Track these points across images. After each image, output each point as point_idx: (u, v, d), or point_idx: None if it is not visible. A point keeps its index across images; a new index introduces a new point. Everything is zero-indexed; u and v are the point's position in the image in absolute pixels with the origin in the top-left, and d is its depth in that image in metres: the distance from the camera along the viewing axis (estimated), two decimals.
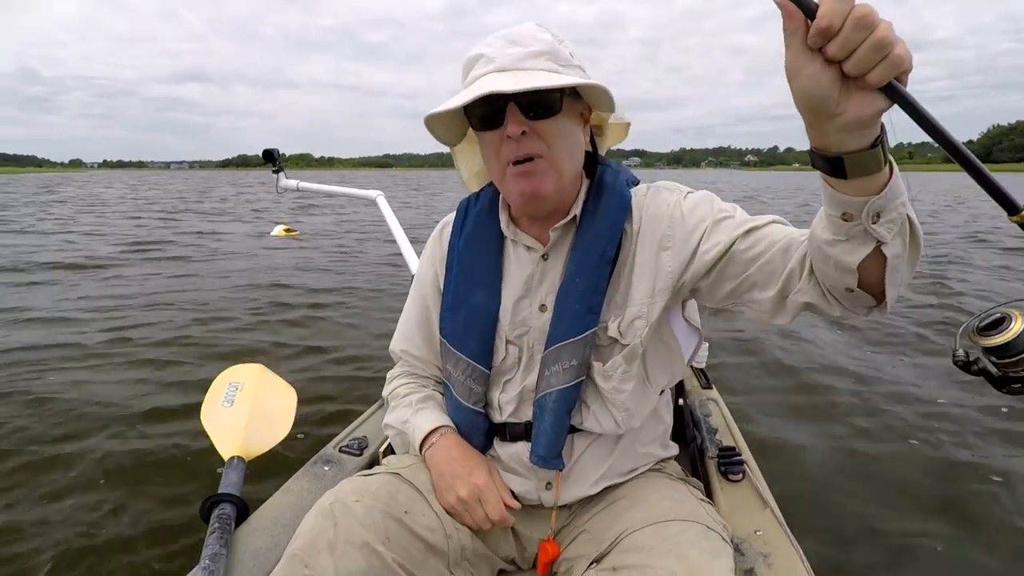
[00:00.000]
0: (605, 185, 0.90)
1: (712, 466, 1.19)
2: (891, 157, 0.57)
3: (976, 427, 2.58)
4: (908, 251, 0.63)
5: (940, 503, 2.03)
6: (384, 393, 1.09)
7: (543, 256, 0.92)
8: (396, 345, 1.10)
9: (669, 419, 1.05)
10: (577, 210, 0.90)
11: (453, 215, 1.03)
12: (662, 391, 1.00)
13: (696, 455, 1.32)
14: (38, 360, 3.16)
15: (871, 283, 0.65)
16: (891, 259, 0.62)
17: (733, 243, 0.80)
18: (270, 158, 2.50)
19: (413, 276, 2.09)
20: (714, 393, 1.60)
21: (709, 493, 1.10)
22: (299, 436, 2.28)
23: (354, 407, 2.56)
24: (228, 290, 5.08)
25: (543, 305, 0.92)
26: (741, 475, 1.15)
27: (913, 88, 0.50)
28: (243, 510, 1.02)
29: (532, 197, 0.84)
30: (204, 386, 1.43)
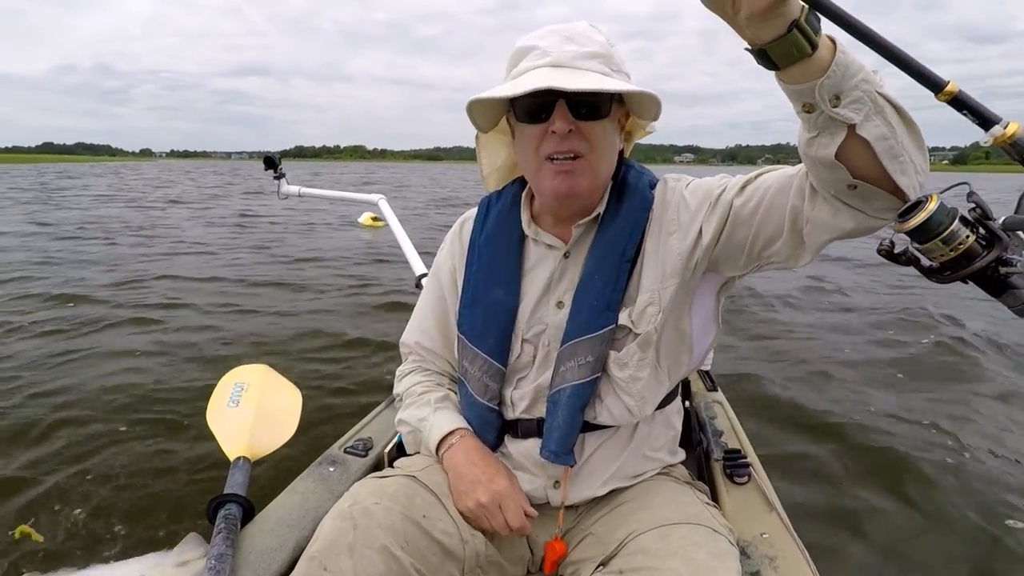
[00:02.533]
0: (628, 185, 0.91)
1: (718, 469, 1.19)
2: (829, 38, 0.58)
3: (995, 429, 2.57)
4: (902, 130, 0.61)
5: (951, 505, 2.01)
6: (396, 390, 1.08)
7: (564, 254, 0.93)
8: (409, 338, 1.09)
9: (679, 425, 1.05)
10: (600, 209, 0.91)
11: (474, 211, 1.04)
12: (673, 393, 0.99)
13: (702, 458, 1.31)
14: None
15: (872, 174, 0.63)
16: (875, 141, 0.60)
17: (731, 205, 0.81)
18: (271, 165, 2.51)
19: (417, 277, 2.11)
20: (719, 395, 1.60)
21: (715, 496, 1.09)
22: (303, 437, 2.28)
23: (359, 407, 2.56)
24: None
25: (560, 302, 0.92)
26: (747, 478, 1.14)
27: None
28: (249, 510, 1.02)
29: (568, 195, 0.85)
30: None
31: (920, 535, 1.86)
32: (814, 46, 0.56)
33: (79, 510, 1.86)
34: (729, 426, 1.40)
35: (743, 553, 0.91)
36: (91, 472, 2.09)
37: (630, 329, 0.88)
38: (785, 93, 0.62)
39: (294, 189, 2.59)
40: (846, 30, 0.54)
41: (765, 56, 0.58)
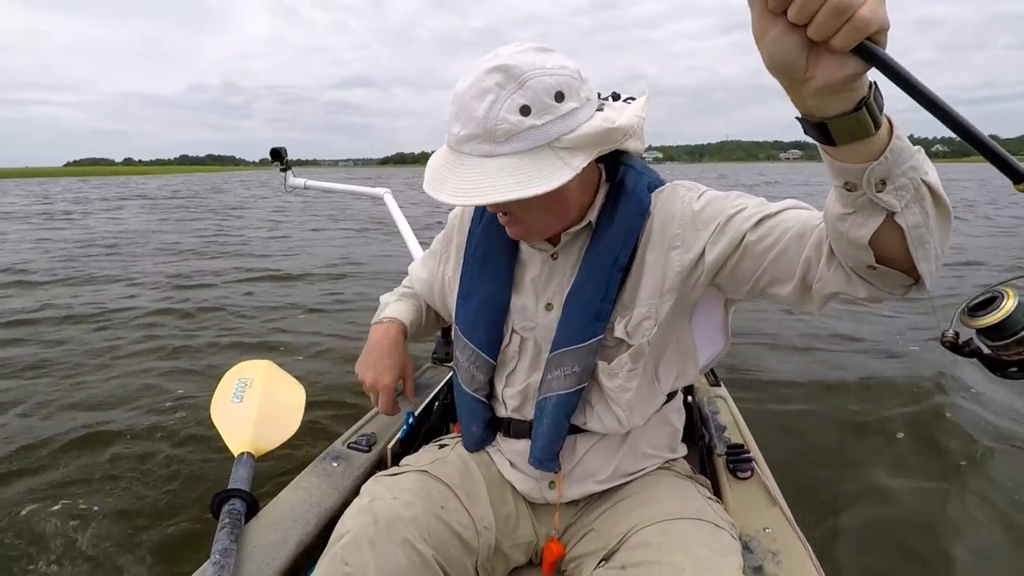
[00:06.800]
0: (625, 189, 0.88)
1: (720, 464, 1.19)
2: (887, 118, 0.53)
3: (1005, 423, 2.55)
4: (934, 220, 0.58)
5: (956, 499, 2.00)
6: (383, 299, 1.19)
7: (552, 255, 0.92)
8: (413, 266, 1.20)
9: (679, 424, 1.04)
10: (593, 216, 0.88)
11: None
12: (672, 393, 0.99)
13: (704, 453, 1.31)
14: None
15: (896, 258, 0.60)
16: (910, 230, 0.57)
17: (743, 236, 0.77)
18: (277, 157, 2.51)
19: None
20: (722, 391, 1.60)
21: (717, 491, 1.09)
22: (307, 432, 2.29)
23: (363, 402, 2.57)
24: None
25: (549, 304, 0.91)
26: (749, 473, 1.14)
27: None
28: (253, 505, 1.03)
29: (521, 238, 0.90)
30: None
31: (925, 530, 1.86)
32: (878, 125, 0.51)
33: (82, 503, 1.87)
34: (732, 421, 1.40)
35: (746, 548, 0.91)
36: (92, 464, 2.11)
37: (623, 340, 0.87)
38: (828, 167, 0.57)
39: (300, 181, 2.59)
40: (925, 107, 0.47)
41: (822, 130, 0.53)
